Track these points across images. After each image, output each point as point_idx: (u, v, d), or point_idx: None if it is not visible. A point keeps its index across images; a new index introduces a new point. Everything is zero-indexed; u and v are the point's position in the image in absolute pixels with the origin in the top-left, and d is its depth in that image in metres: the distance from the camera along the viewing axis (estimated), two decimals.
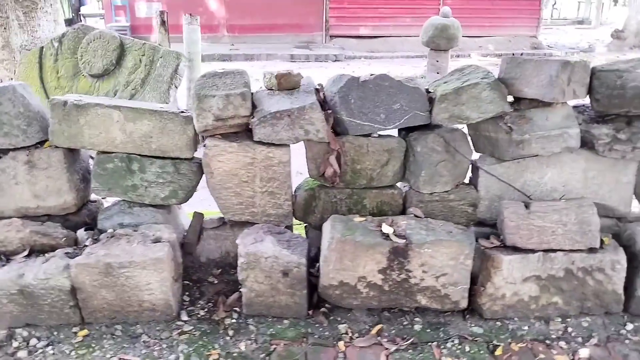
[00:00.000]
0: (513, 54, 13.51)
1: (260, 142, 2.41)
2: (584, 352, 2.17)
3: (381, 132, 2.51)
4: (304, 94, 2.43)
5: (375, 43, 13.93)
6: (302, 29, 13.88)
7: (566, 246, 2.23)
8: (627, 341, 2.23)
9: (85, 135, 2.45)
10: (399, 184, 2.65)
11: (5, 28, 5.53)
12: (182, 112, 2.49)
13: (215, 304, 2.43)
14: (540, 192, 2.50)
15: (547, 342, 2.24)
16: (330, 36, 14.03)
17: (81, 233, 2.43)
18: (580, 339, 2.25)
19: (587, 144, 2.42)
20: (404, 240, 2.20)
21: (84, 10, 19.20)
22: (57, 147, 2.47)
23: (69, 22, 17.74)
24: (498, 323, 2.33)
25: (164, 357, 2.12)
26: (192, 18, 5.05)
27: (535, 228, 2.23)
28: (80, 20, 16.90)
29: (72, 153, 2.55)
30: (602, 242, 2.31)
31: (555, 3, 23.48)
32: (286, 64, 11.73)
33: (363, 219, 2.37)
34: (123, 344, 2.20)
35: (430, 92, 2.48)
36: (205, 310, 2.40)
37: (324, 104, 2.43)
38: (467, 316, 2.36)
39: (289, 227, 2.67)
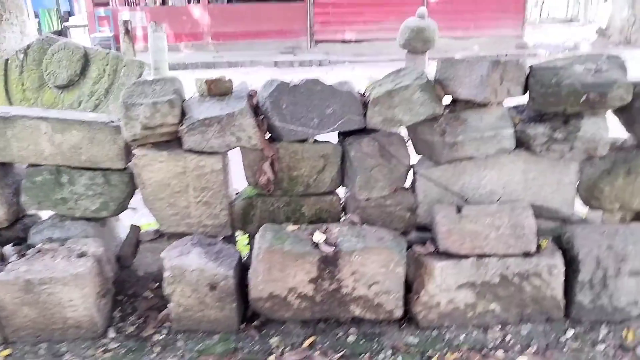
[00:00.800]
0: (497, 55, 13.50)
1: (191, 151, 2.35)
2: None
3: (319, 138, 2.46)
4: (235, 99, 2.37)
5: (361, 47, 13.89)
6: (287, 35, 13.82)
7: (500, 251, 2.17)
8: (565, 349, 2.16)
9: (14, 148, 2.40)
10: (341, 190, 2.58)
11: None
12: (112, 121, 2.43)
13: (146, 320, 2.36)
14: (479, 195, 2.44)
15: (484, 351, 2.16)
16: (316, 41, 13.99)
17: (7, 249, 2.36)
18: (518, 348, 2.18)
19: (524, 144, 2.35)
20: (333, 249, 2.13)
21: (71, 21, 19.20)
22: None
23: (57, 34, 17.74)
24: (434, 332, 2.26)
25: None
26: (157, 26, 5.00)
27: (468, 233, 2.16)
28: (67, 32, 16.89)
29: (2, 167, 2.49)
30: (540, 245, 2.24)
31: (543, 2, 23.47)
32: (269, 70, 11.68)
33: (296, 227, 2.30)
34: None
35: (365, 95, 2.42)
36: (135, 326, 2.33)
37: (257, 109, 2.38)
38: (404, 326, 2.29)
39: (229, 238, 2.61)
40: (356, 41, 13.91)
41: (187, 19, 13.46)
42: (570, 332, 2.24)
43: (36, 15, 19.81)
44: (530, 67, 2.33)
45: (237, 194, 2.63)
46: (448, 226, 2.17)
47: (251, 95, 2.42)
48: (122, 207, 2.51)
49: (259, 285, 2.17)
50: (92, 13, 13.07)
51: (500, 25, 14.29)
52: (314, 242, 2.18)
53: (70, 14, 22.58)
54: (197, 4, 13.57)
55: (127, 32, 5.38)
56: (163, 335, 2.27)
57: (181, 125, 2.30)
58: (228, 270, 2.16)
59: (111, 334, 2.27)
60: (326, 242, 2.19)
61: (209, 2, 13.57)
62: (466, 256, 2.17)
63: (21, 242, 2.47)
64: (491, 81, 2.20)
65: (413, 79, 2.31)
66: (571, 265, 2.23)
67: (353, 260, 2.13)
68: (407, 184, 2.55)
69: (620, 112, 2.41)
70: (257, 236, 2.22)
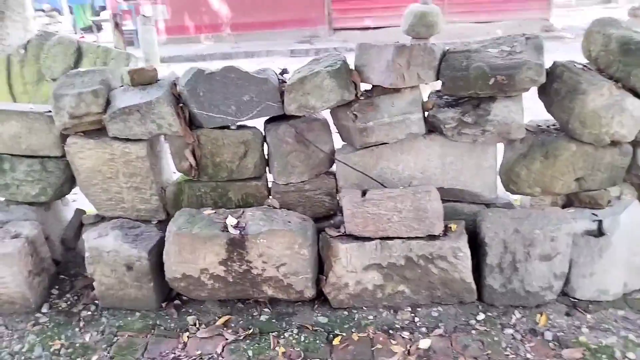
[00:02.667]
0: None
1: (116, 138, 2.46)
2: (424, 342, 2.11)
3: (245, 124, 2.52)
4: (157, 88, 2.46)
5: (380, 34, 13.72)
6: (306, 24, 13.84)
7: (403, 233, 2.19)
8: (473, 331, 2.17)
9: None
10: (269, 176, 2.64)
11: None
12: (48, 111, 2.56)
13: (79, 297, 2.51)
14: (398, 180, 2.45)
15: (391, 331, 2.20)
16: (334, 29, 13.94)
17: None
18: (424, 329, 2.20)
19: (437, 129, 2.35)
20: (239, 232, 2.20)
21: (102, 15, 19.80)
22: None
23: (88, 29, 18.38)
24: (345, 313, 2.31)
25: (11, 347, 2.22)
26: (146, 18, 5.15)
27: (371, 216, 2.19)
28: (98, 28, 17.45)
29: None
30: (450, 228, 2.25)
31: None
32: (285, 60, 11.76)
33: (213, 211, 2.38)
34: None
35: (286, 82, 2.46)
36: (68, 303, 2.48)
37: (179, 98, 2.46)
38: (317, 306, 2.35)
39: (166, 222, 2.71)
40: (374, 28, 13.78)
41: (207, 10, 13.68)
42: (481, 316, 2.24)
43: (71, 11, 20.57)
44: (447, 51, 2.32)
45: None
46: (352, 209, 2.20)
47: (175, 84, 2.50)
48: (60, 192, 2.65)
49: (172, 266, 2.28)
50: (115, 8, 13.45)
51: (526, 7, 13.86)
52: (225, 226, 2.26)
53: (104, 8, 23.26)
54: None
55: (116, 25, 5.57)
56: (90, 312, 2.41)
57: (104, 114, 2.42)
58: (142, 252, 2.27)
59: (44, 309, 2.43)
60: (237, 225, 2.26)
61: None
62: (370, 238, 2.21)
63: None
64: (396, 66, 2.21)
65: (324, 66, 2.33)
66: (479, 249, 2.23)
67: (259, 242, 2.19)
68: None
69: (541, 94, 2.37)
70: (170, 220, 2.32)
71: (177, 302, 2.42)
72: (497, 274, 2.21)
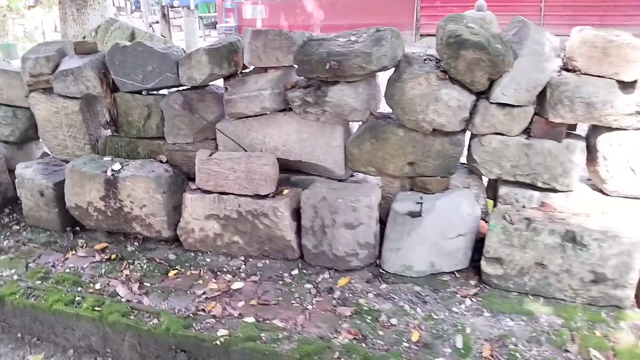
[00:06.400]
0: None
1: (60, 95, 3.11)
2: (237, 284, 2.45)
3: (161, 92, 3.03)
4: (93, 57, 3.06)
5: None
6: None
7: (236, 191, 2.54)
8: (280, 282, 2.45)
9: None
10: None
11: (64, 22, 7.02)
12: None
13: (20, 217, 3.20)
14: (265, 150, 2.78)
15: (218, 273, 2.56)
16: (421, 35, 14.01)
17: None
18: (244, 275, 2.53)
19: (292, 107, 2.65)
20: (112, 174, 2.71)
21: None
22: None
23: (212, 25, 20.25)
24: (192, 254, 2.71)
25: None
26: (189, 11, 5.90)
27: (213, 172, 2.57)
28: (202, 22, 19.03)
29: None
30: (282, 192, 2.55)
31: None
32: None
33: (109, 158, 2.92)
34: None
35: None
36: (10, 219, 3.18)
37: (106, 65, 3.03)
38: (174, 246, 2.78)
39: None
40: None
41: (300, 12, 14.51)
42: (296, 272, 2.52)
43: (197, 8, 22.77)
44: (308, 38, 2.62)
45: None
46: (199, 166, 2.60)
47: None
48: (26, 135, 3.37)
49: (69, 197, 2.85)
50: (221, 5, 14.80)
51: (635, 20, 12.74)
52: (107, 169, 2.78)
53: None
54: None
55: (163, 16, 6.39)
56: (19, 227, 3.08)
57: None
58: (49, 183, 2.88)
59: None
60: (118, 170, 2.77)
61: None
62: (210, 192, 2.59)
63: None
64: (253, 47, 2.57)
65: (208, 45, 2.76)
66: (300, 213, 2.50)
67: (126, 184, 2.68)
68: None
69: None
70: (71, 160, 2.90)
71: (77, 228, 3.00)
72: (311, 235, 2.47)
